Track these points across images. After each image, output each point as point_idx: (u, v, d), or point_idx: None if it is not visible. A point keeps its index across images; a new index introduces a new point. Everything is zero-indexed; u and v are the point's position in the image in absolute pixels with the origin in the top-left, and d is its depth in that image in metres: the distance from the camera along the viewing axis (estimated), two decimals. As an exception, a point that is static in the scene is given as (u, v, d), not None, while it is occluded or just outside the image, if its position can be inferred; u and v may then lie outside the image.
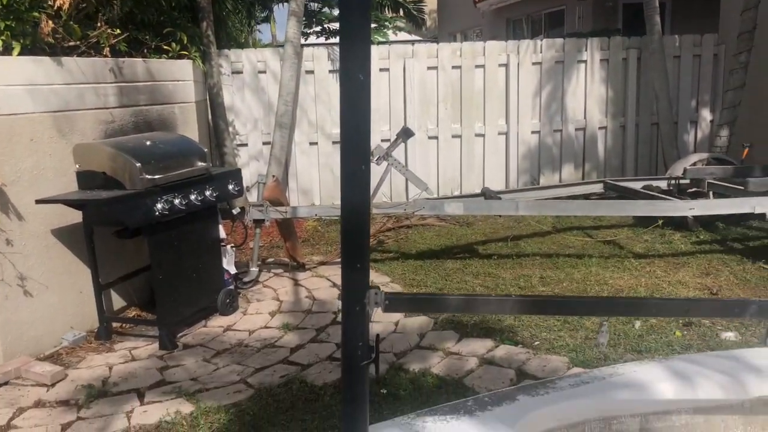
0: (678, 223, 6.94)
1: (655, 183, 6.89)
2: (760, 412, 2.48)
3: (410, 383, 3.73)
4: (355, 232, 1.36)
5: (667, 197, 5.81)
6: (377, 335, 1.57)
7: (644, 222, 7.08)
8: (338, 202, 1.39)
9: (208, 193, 4.67)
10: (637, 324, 4.45)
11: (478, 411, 2.32)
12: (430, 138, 8.50)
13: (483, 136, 8.63)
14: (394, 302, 1.48)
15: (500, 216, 7.42)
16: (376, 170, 6.42)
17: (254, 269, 5.65)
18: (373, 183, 6.02)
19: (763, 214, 5.54)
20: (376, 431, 2.10)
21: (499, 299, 2.21)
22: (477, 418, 2.27)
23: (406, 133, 5.59)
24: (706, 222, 6.93)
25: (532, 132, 8.73)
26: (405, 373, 3.87)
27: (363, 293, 1.35)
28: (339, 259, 6.36)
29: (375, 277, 5.72)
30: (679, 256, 5.99)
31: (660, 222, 6.99)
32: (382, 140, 7.70)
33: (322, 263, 6.22)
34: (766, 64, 8.06)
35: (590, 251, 6.22)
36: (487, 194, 5.75)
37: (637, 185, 6.58)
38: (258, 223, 5.52)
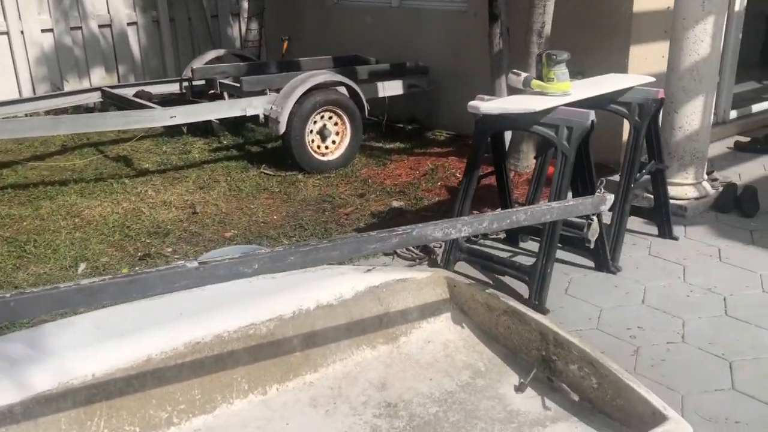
0: (204, 130, 6.38)
1: (168, 87, 6.15)
2: (37, 415, 1.89)
3: None
4: None
5: (150, 105, 5.10)
6: None
7: (170, 131, 6.35)
8: None
9: None
10: (81, 267, 3.70)
11: None
12: None
13: (-28, 36, 6.87)
14: None
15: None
16: None
17: None
18: None
19: (257, 116, 5.18)
20: None
21: None
22: None
23: None
24: (235, 125, 6.49)
25: (44, 30, 7.23)
26: None
27: None
28: None
29: None
30: (185, 169, 5.41)
31: (184, 129, 6.34)
32: None
33: None
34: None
35: (88, 174, 5.28)
36: None
37: (133, 91, 5.74)
38: None
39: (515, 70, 3.42)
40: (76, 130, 5.05)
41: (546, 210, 1.95)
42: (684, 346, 2.80)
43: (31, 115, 5.80)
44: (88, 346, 1.96)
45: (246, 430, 2.06)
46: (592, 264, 3.51)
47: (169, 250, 3.94)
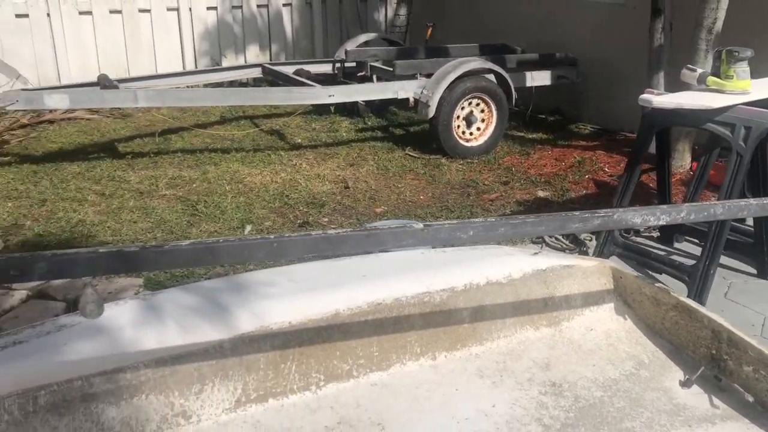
0: (351, 110, 6.63)
1: (321, 67, 6.43)
2: (242, 353, 2.10)
3: None
4: None
5: (310, 83, 5.36)
6: None
7: (318, 110, 6.67)
8: None
9: None
10: (248, 228, 4.01)
11: None
12: (81, 13, 7.13)
13: (148, 11, 7.46)
14: None
15: (163, 108, 6.55)
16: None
17: None
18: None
19: (407, 99, 5.33)
20: None
21: None
22: None
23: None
24: (380, 108, 6.70)
25: (209, 8, 7.75)
26: None
27: None
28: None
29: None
30: (335, 146, 5.67)
31: (332, 109, 6.63)
32: None
33: None
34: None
35: (246, 144, 5.66)
36: (102, 82, 4.84)
37: (292, 70, 6.05)
38: None
39: (690, 66, 3.34)
40: (243, 102, 5.42)
41: (744, 206, 1.93)
42: None
43: (192, 87, 6.27)
44: (285, 297, 2.15)
45: (418, 391, 2.19)
46: (754, 271, 3.39)
47: (326, 220, 4.17)
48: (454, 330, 2.38)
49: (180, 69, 7.54)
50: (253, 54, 8.13)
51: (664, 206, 1.79)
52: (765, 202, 2.03)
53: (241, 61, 7.99)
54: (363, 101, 6.39)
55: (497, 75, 5.46)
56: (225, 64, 7.84)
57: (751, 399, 2.11)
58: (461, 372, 2.30)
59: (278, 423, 2.03)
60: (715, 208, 1.89)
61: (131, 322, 1.97)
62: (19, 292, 3.24)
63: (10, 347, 1.88)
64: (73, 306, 3.11)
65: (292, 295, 2.18)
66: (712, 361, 2.25)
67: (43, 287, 3.30)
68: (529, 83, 5.87)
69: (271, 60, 8.11)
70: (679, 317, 2.37)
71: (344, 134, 6.06)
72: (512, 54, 6.22)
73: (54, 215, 4.13)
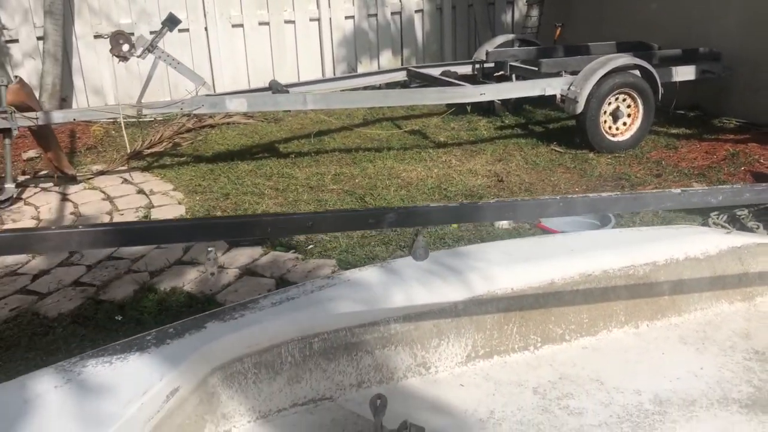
0: (486, 110, 6.87)
1: (460, 68, 6.69)
2: (472, 313, 2.36)
3: (157, 305, 3.37)
4: None
5: (459, 83, 5.62)
6: None
7: (456, 110, 6.95)
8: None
9: None
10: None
11: (153, 346, 1.99)
12: (234, 26, 7.77)
13: (293, 22, 8.01)
14: None
15: (309, 111, 7.05)
16: (145, 66, 5.72)
17: (10, 186, 4.93)
18: (141, 81, 5.37)
19: (554, 96, 5.49)
20: (28, 380, 1.73)
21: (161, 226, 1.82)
22: (147, 356, 1.94)
23: (171, 21, 4.92)
24: (515, 107, 6.90)
25: (346, 17, 8.22)
26: (154, 293, 3.49)
27: None
28: (122, 167, 5.77)
29: (158, 185, 5.19)
30: (479, 143, 5.91)
31: (468, 108, 6.89)
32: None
33: (102, 173, 5.57)
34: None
35: (393, 143, 6.00)
36: (274, 87, 5.30)
37: (438, 71, 6.35)
38: (5, 132, 4.76)
39: None
40: (401, 102, 5.79)
41: None
42: None
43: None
44: (506, 265, 2.42)
45: (627, 354, 2.39)
46: None
47: (486, 210, 4.40)
48: (655, 301, 2.56)
49: (319, 76, 8.04)
50: (386, 59, 8.53)
51: None
52: None
53: (375, 67, 8.40)
54: (499, 100, 6.63)
55: (643, 71, 5.52)
56: (360, 70, 8.27)
57: None
58: (664, 339, 2.48)
59: (505, 376, 2.30)
60: None
61: (380, 284, 2.30)
62: (233, 270, 3.68)
63: (285, 302, 2.25)
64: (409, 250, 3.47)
65: (513, 264, 2.44)
66: None
67: (251, 266, 3.73)
68: (674, 78, 5.88)
69: (402, 64, 8.47)
70: None
71: (484, 132, 6.29)
72: (653, 50, 6.24)
73: (240, 207, 4.61)
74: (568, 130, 5.96)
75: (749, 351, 2.40)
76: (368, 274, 2.38)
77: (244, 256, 3.85)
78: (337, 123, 6.81)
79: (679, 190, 1.69)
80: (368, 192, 4.78)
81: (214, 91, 6.56)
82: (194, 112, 5.10)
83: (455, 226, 4.20)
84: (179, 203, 4.77)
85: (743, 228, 3.80)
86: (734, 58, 6.08)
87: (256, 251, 3.92)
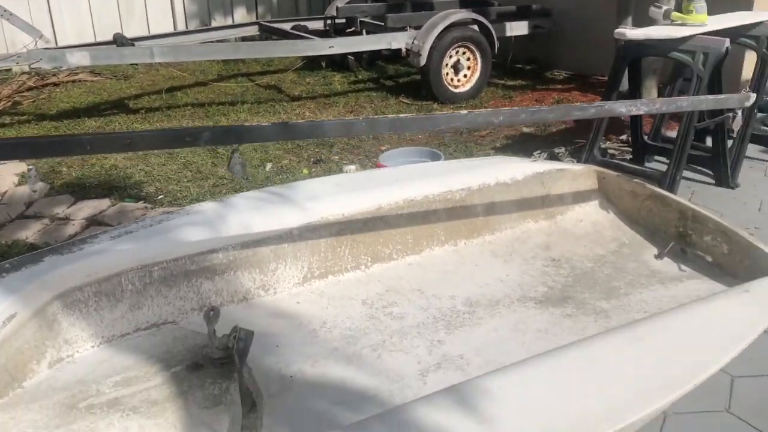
0: (341, 65, 7.05)
1: (312, 24, 6.81)
2: (307, 238, 2.57)
3: (-1, 257, 3.31)
4: None
5: (309, 36, 5.76)
6: None
7: (310, 65, 7.09)
8: None
9: None
10: (268, 166, 4.45)
11: (-14, 283, 2.04)
12: (75, -22, 7.39)
13: (140, -25, 7.74)
14: None
15: (157, 67, 6.92)
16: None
17: None
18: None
19: (400, 50, 5.77)
20: None
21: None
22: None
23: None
24: (369, 62, 7.14)
25: (195, -29, 8.05)
26: (-5, 248, 3.42)
27: None
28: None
29: (-5, 143, 4.95)
30: (332, 97, 6.10)
31: (323, 64, 7.06)
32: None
33: (-69, 133, 5.21)
34: None
35: (248, 97, 6.05)
36: (119, 41, 5.17)
37: (289, 26, 6.43)
38: None
39: (657, 3, 3.84)
40: (251, 55, 5.82)
41: (702, 100, 2.45)
42: (798, 244, 3.25)
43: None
44: (337, 195, 2.64)
45: (446, 267, 2.71)
46: (712, 181, 3.95)
47: (336, 157, 4.63)
48: (471, 222, 2.90)
49: (170, 30, 7.85)
50: (240, 15, 8.45)
51: (643, 99, 2.28)
52: (720, 97, 2.55)
53: (228, 23, 8.31)
54: (352, 56, 6.84)
55: (481, 25, 5.91)
56: (214, 25, 8.16)
57: (709, 259, 2.67)
58: (479, 254, 2.83)
59: (338, 292, 2.55)
60: (682, 102, 2.40)
61: (218, 215, 2.45)
62: (79, 221, 3.67)
63: (124, 235, 2.36)
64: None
65: (343, 194, 2.68)
66: (679, 238, 2.81)
67: (98, 216, 3.73)
68: (508, 33, 6.34)
69: (257, 20, 8.44)
70: (653, 205, 2.92)
71: (338, 87, 6.49)
72: (491, 6, 6.67)
73: (87, 162, 4.52)
74: (416, 83, 6.28)
75: (547, 259, 2.80)
76: (207, 207, 2.53)
77: (90, 207, 3.83)
78: (190, 79, 6.73)
79: (466, 112, 1.97)
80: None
81: (56, 46, 6.27)
82: (33, 66, 4.88)
83: (306, 171, 4.39)
84: (21, 161, 4.60)
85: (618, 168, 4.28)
86: (564, 15, 6.63)
87: (103, 203, 3.91)
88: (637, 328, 1.87)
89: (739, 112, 2.45)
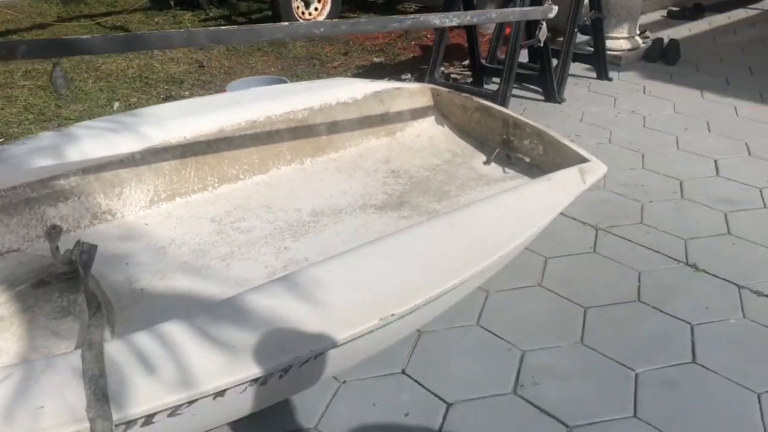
0: (191, 4, 6.86)
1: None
2: (150, 162, 2.62)
3: None
4: None
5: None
6: None
7: (158, 4, 6.86)
8: None
9: None
10: (116, 105, 4.35)
11: None
12: None
13: None
14: None
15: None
16: None
17: None
18: None
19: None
20: None
21: None
22: None
23: None
24: (220, 0, 6.99)
25: None
26: None
27: None
28: None
29: None
30: (182, 35, 5.96)
31: (172, 3, 6.85)
32: None
33: None
34: None
35: (92, 38, 5.78)
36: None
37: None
38: None
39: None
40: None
41: (510, 12, 2.70)
42: (610, 146, 3.67)
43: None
44: (178, 119, 2.69)
45: (292, 185, 2.85)
46: (541, 98, 4.32)
47: (187, 93, 4.59)
48: (315, 141, 3.05)
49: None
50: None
51: (456, 12, 2.49)
52: (525, 9, 2.82)
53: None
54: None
55: (329, -42, 5.95)
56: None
57: (528, 160, 2.99)
58: (323, 171, 3.00)
59: (186, 212, 2.64)
60: (491, 14, 2.64)
61: (54, 145, 2.45)
62: None
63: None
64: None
65: (185, 117, 2.73)
66: (504, 145, 3.10)
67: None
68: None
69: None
70: (480, 116, 3.19)
71: (189, 26, 6.33)
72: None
73: None
74: (268, 19, 6.24)
75: (387, 171, 3.02)
76: (45, 136, 2.51)
77: None
78: (27, 21, 6.32)
79: (287, 24, 2.08)
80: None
81: None
82: None
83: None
84: None
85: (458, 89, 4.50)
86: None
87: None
88: (455, 215, 2.11)
89: (544, 24, 2.71)
